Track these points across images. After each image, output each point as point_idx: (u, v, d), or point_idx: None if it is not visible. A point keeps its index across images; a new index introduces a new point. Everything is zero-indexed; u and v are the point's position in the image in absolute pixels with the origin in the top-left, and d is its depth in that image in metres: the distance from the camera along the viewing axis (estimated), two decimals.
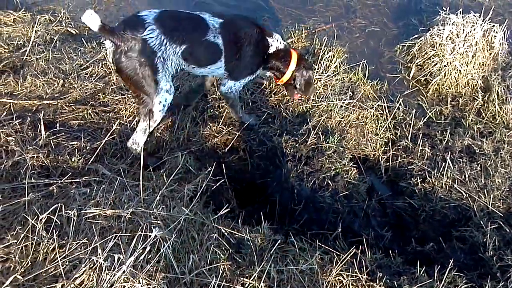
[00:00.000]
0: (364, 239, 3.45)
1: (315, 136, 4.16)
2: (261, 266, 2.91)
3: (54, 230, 2.84)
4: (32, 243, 2.79)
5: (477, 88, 5.25)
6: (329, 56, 5.17)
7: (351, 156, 4.33)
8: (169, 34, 3.50)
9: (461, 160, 4.27)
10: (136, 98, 3.73)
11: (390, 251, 3.44)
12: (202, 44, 3.68)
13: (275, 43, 4.10)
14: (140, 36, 3.40)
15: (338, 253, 3.15)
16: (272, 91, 4.81)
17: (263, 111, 4.60)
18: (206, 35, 3.66)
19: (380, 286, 2.98)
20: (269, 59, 4.14)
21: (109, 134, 3.72)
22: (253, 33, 3.89)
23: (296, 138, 4.14)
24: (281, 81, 4.28)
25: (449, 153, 4.32)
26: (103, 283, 2.58)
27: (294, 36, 5.73)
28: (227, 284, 2.81)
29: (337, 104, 4.66)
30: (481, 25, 5.32)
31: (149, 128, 3.72)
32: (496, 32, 5.40)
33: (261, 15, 6.03)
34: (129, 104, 4.34)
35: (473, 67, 5.26)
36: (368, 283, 3.00)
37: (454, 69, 5.24)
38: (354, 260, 3.12)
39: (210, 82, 4.57)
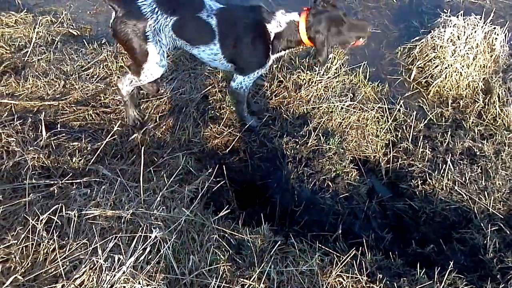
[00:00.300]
0: (364, 241, 3.45)
1: (315, 138, 4.16)
2: (261, 267, 2.91)
3: (54, 231, 2.85)
4: (32, 244, 2.80)
5: (478, 90, 5.23)
6: (330, 58, 5.17)
7: (351, 158, 4.32)
8: (161, 3, 3.59)
9: (461, 162, 4.27)
10: (130, 58, 3.91)
11: (390, 253, 3.44)
12: (193, 20, 3.68)
13: (275, 28, 3.84)
14: (135, 3, 3.56)
15: (338, 255, 3.15)
16: (273, 92, 4.81)
17: (263, 113, 4.59)
18: (200, 12, 3.66)
19: (380, 287, 2.98)
20: (275, 44, 3.92)
21: (110, 135, 3.73)
22: (250, 23, 3.78)
23: (297, 140, 4.14)
24: (308, 45, 3.97)
25: (450, 155, 4.32)
26: (103, 284, 2.59)
27: None
28: (227, 285, 2.81)
29: (337, 105, 4.66)
30: (482, 27, 5.32)
31: (134, 82, 3.97)
32: (497, 34, 5.38)
33: None
34: None
35: (474, 69, 5.25)
36: (368, 285, 3.00)
37: (455, 71, 5.23)
38: (354, 262, 3.12)
39: None
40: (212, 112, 4.49)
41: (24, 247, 2.79)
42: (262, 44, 3.86)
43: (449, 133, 4.59)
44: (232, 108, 4.50)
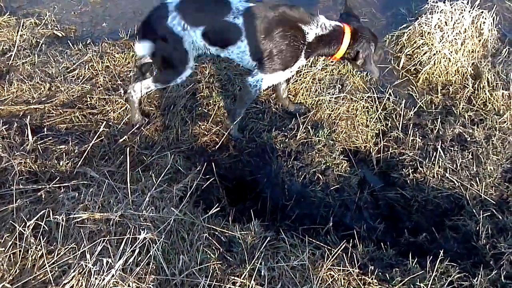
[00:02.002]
0: (355, 232, 3.44)
1: (304, 131, 4.13)
2: (252, 264, 2.90)
3: (42, 236, 2.82)
4: (20, 250, 2.76)
5: (467, 75, 5.21)
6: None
7: (341, 149, 4.30)
8: (189, 19, 3.69)
9: (452, 148, 4.25)
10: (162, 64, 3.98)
11: (382, 243, 3.43)
12: (220, 24, 3.72)
13: (315, 29, 3.80)
14: (166, 25, 3.66)
15: (330, 248, 3.14)
16: None
17: (252, 106, 4.56)
18: (226, 16, 3.69)
19: (372, 279, 2.97)
20: (310, 48, 3.87)
21: (96, 137, 3.70)
22: (281, 21, 3.73)
23: (286, 133, 4.11)
24: (333, 59, 4.09)
25: (440, 142, 4.30)
26: None
27: None
28: (218, 284, 2.79)
29: (326, 98, 4.63)
30: (469, 12, 5.29)
31: (152, 88, 4.09)
32: (485, 19, 5.36)
33: None
34: (116, 104, 4.31)
35: (462, 54, 5.22)
36: (360, 277, 2.99)
37: (444, 58, 5.21)
38: (346, 254, 3.10)
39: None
40: (200, 109, 4.46)
41: (11, 254, 2.76)
42: (292, 43, 3.78)
43: (439, 120, 4.57)
44: (220, 104, 4.48)
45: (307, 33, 3.79)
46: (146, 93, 4.16)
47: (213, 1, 3.81)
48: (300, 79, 4.79)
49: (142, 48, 3.75)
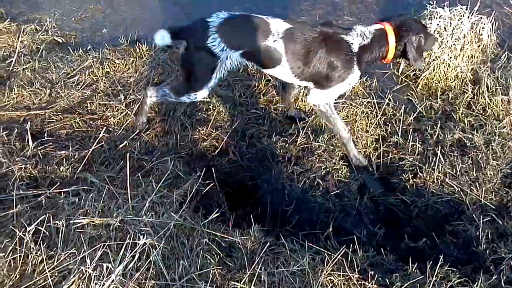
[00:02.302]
0: (356, 238, 3.43)
1: (304, 136, 4.14)
2: (252, 269, 2.90)
3: (42, 241, 2.82)
4: (20, 255, 2.77)
5: (466, 81, 5.22)
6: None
7: (341, 154, 4.30)
8: (229, 41, 3.70)
9: (452, 154, 4.24)
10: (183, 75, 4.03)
11: (382, 249, 3.42)
12: (260, 48, 3.75)
13: (356, 38, 3.84)
14: (206, 39, 3.67)
15: (329, 253, 3.14)
16: (261, 92, 4.79)
17: (252, 112, 4.58)
18: (266, 40, 3.72)
19: (372, 284, 2.96)
20: (360, 57, 3.87)
21: (96, 142, 3.71)
22: (323, 39, 3.77)
23: (286, 139, 4.13)
24: (386, 61, 4.09)
25: (440, 147, 4.29)
26: None
27: None
28: None
29: None
30: (468, 17, 5.30)
31: (168, 98, 4.08)
32: (484, 24, 5.38)
33: None
34: (116, 110, 4.33)
35: (461, 60, 5.23)
36: (360, 282, 2.99)
37: (443, 63, 5.21)
38: (345, 259, 3.10)
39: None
40: (200, 114, 4.47)
41: (12, 259, 2.76)
42: (341, 56, 3.81)
43: (439, 125, 4.57)
44: (219, 109, 4.50)
45: (351, 43, 3.82)
46: (161, 99, 4.17)
47: (254, 22, 3.78)
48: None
49: (161, 37, 3.76)
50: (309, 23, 3.91)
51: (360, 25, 3.94)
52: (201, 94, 3.97)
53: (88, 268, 2.65)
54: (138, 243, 2.78)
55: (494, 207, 3.87)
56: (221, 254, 3.06)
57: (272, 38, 3.71)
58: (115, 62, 4.98)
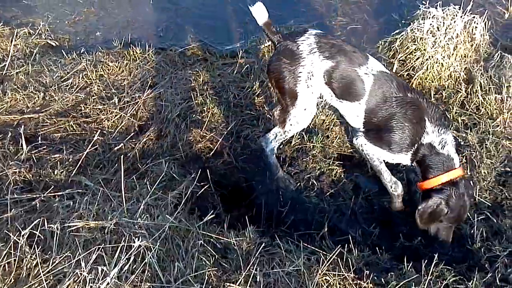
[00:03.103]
0: (350, 237, 3.43)
1: (298, 137, 4.16)
2: (247, 270, 2.89)
3: (37, 245, 2.81)
4: (15, 260, 2.75)
5: (460, 80, 5.24)
6: None
7: (336, 155, 4.31)
8: (322, 46, 3.54)
9: None
10: (278, 102, 3.84)
11: (377, 248, 3.43)
12: (348, 71, 3.53)
13: (433, 137, 3.51)
14: (295, 40, 3.57)
15: (325, 253, 3.13)
16: (255, 93, 4.80)
17: (247, 113, 4.58)
18: (358, 67, 3.51)
19: (367, 283, 2.96)
20: (417, 150, 3.56)
21: (90, 145, 3.71)
22: (409, 105, 3.51)
23: None
24: (420, 186, 3.69)
25: None
26: None
27: None
28: None
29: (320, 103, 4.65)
30: (461, 17, 5.32)
31: (279, 136, 3.82)
32: (477, 24, 5.40)
33: (241, 18, 6.01)
34: (110, 113, 4.32)
35: (455, 59, 5.25)
36: (355, 281, 2.99)
37: (436, 63, 5.23)
38: (340, 259, 3.10)
39: None
40: (194, 116, 4.47)
41: (6, 264, 2.75)
42: (408, 137, 3.55)
43: None
44: (214, 111, 4.50)
45: (427, 132, 3.53)
46: (278, 145, 3.95)
47: (350, 49, 3.60)
48: None
49: (259, 10, 3.64)
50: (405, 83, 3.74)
51: (453, 137, 3.65)
52: (300, 117, 3.72)
53: (83, 271, 2.64)
54: (133, 246, 2.77)
55: (488, 205, 3.90)
56: (217, 256, 3.06)
57: (365, 69, 3.51)
58: (109, 65, 4.97)
